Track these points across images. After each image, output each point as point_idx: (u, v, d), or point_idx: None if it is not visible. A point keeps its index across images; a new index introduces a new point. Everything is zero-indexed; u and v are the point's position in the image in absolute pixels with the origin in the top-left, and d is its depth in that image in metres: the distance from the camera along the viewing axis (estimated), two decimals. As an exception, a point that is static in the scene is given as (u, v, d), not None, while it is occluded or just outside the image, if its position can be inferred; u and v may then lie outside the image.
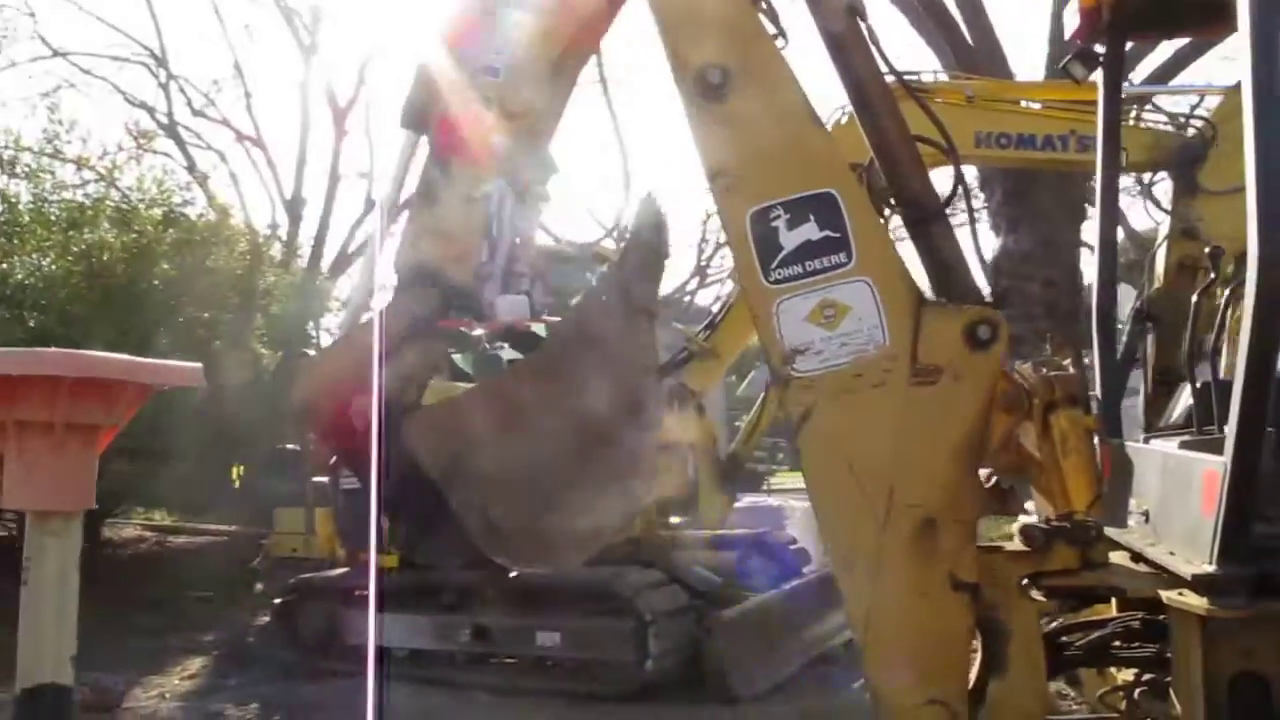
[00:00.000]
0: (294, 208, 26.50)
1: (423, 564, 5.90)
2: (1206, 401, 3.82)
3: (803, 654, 8.41)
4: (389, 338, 3.40)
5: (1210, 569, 2.71)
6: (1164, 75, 17.00)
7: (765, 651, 7.98)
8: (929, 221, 3.38)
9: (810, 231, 3.37)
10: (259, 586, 13.20)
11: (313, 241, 25.56)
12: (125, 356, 4.32)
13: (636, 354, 3.31)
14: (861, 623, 3.29)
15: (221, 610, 12.52)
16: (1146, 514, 3.31)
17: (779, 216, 3.37)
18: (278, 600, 10.04)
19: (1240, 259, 8.16)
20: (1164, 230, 8.76)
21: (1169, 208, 8.99)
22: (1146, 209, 20.63)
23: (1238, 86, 8.81)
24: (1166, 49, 16.71)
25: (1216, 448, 3.06)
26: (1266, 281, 2.53)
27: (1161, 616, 3.35)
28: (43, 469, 3.69)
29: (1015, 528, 3.42)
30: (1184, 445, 3.21)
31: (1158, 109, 9.53)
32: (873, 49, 3.46)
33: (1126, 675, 3.42)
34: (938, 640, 3.27)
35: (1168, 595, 2.93)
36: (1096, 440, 4.40)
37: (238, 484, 16.31)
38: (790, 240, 3.37)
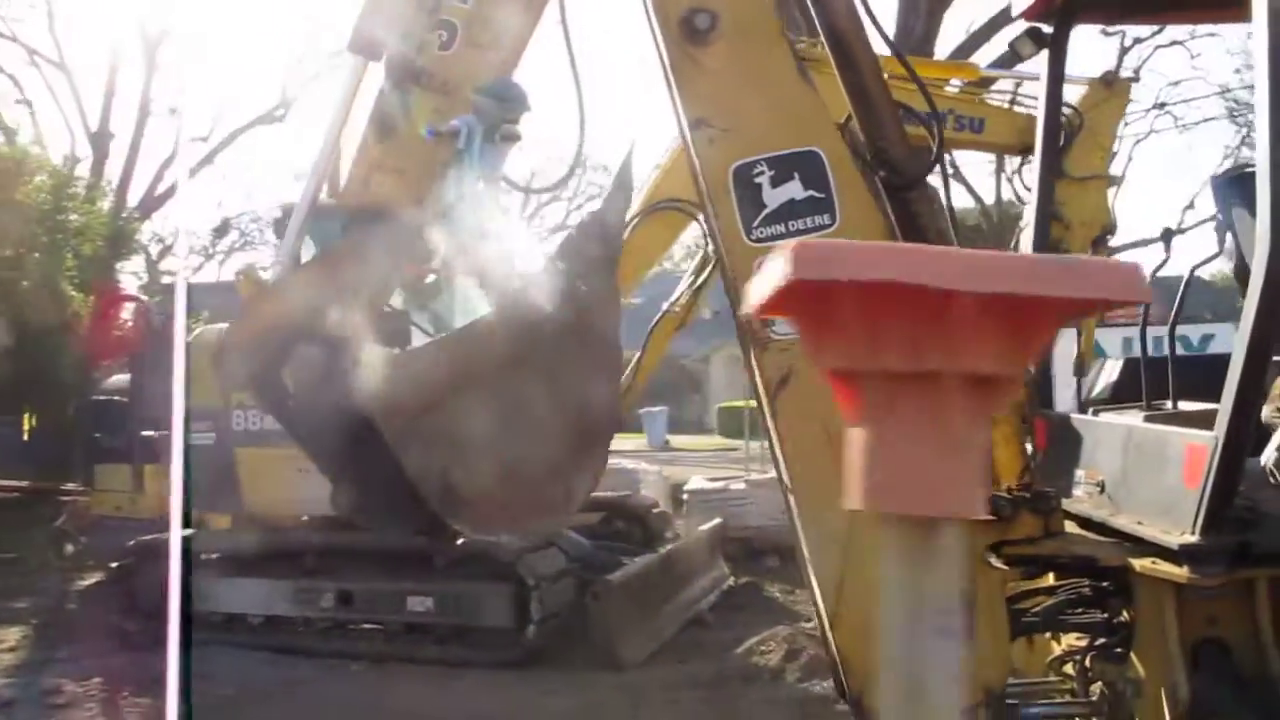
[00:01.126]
0: (100, 142, 24.43)
1: (365, 527, 5.50)
2: (1137, 377, 3.97)
3: (677, 618, 8.43)
4: (339, 287, 3.09)
5: (1194, 539, 2.78)
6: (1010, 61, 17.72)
7: (646, 617, 7.93)
8: (909, 188, 3.31)
9: (794, 190, 3.26)
10: (69, 548, 12.13)
11: (119, 179, 23.72)
12: None
13: (607, 310, 3.12)
14: (832, 593, 3.24)
15: (31, 574, 11.46)
16: (1102, 484, 3.39)
17: (762, 173, 3.24)
18: (114, 564, 9.25)
19: (1096, 244, 8.55)
20: (1028, 212, 9.14)
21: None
22: (1014, 189, 21.44)
23: (1102, 77, 9.16)
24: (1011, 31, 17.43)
25: (1193, 421, 3.15)
26: (1274, 268, 2.60)
27: (1105, 584, 3.45)
28: None
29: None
30: (1150, 419, 3.30)
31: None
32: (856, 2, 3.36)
33: (1071, 641, 3.52)
34: (906, 609, 3.25)
35: (1141, 564, 3.01)
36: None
37: (27, 436, 14.95)
38: (773, 198, 3.25)
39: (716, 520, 10.60)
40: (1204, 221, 3.77)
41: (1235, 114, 25.91)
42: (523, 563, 7.38)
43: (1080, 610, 3.44)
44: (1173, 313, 3.69)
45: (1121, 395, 4.04)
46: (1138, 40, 26.37)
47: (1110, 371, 4.24)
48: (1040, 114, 4.22)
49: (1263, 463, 2.93)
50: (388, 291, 3.29)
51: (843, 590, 3.23)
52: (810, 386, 3.23)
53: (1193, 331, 15.66)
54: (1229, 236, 3.50)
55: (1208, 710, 2.94)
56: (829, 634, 3.33)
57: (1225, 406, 2.70)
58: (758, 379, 3.33)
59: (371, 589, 8.02)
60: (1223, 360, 4.17)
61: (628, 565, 8.13)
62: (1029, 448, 4.28)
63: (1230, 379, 2.68)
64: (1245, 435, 2.69)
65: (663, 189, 8.55)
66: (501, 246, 3.13)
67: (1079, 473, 3.61)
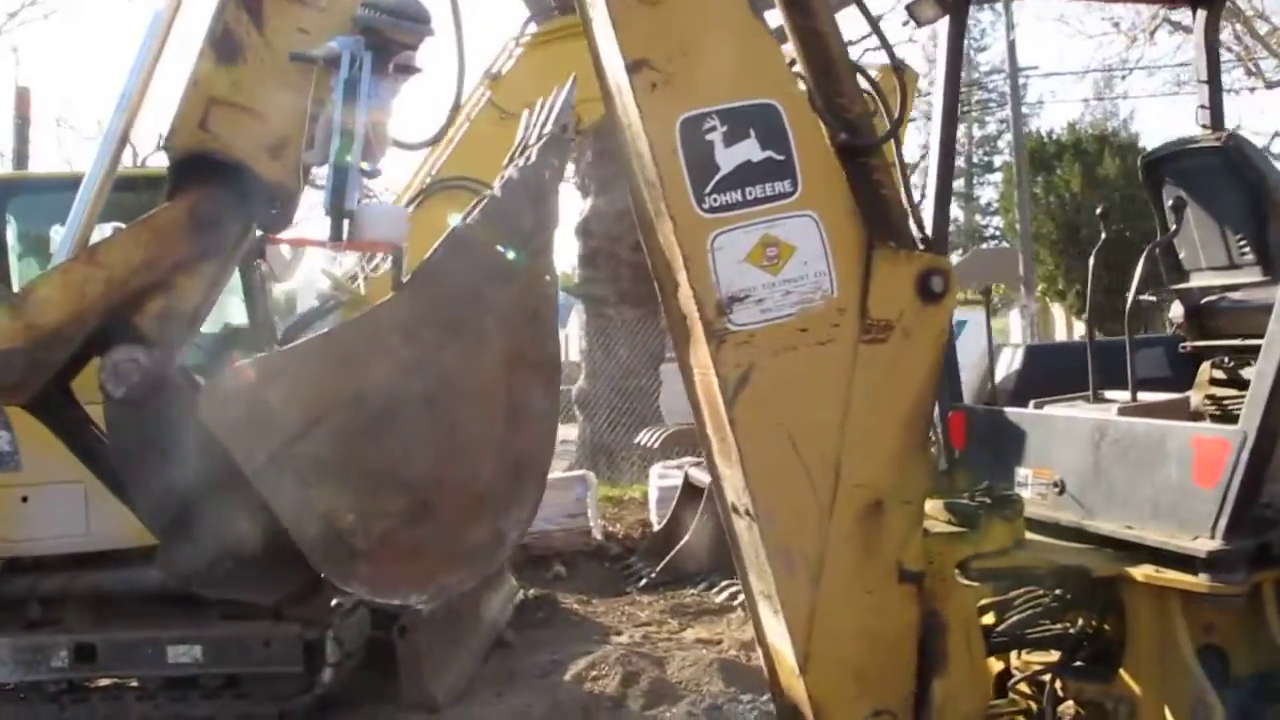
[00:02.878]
0: None
1: (210, 596, 4.29)
2: (1042, 366, 3.75)
3: (482, 645, 7.65)
4: (164, 267, 2.22)
5: (1217, 543, 2.52)
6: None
7: (456, 647, 7.10)
8: (868, 153, 2.86)
9: (750, 150, 2.72)
10: None
11: None
12: None
13: (541, 294, 2.44)
14: (803, 630, 2.74)
15: None
16: (1060, 484, 3.11)
17: (714, 128, 2.69)
18: None
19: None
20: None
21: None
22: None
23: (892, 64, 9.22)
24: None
25: (1168, 413, 2.90)
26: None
27: (1067, 594, 3.17)
28: None
29: (933, 506, 3.05)
30: (1126, 412, 3.05)
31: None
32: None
33: (1028, 658, 3.23)
34: (882, 642, 2.81)
35: (1141, 572, 2.72)
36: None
37: None
38: (727, 159, 2.70)
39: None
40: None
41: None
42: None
43: (1041, 624, 3.14)
44: (1088, 297, 3.49)
45: (1028, 386, 3.83)
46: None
47: (1010, 360, 4.02)
48: (942, 87, 3.95)
49: None
50: (229, 270, 2.42)
51: (815, 625, 2.74)
52: (773, 385, 2.72)
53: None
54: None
55: None
56: (792, 676, 2.83)
57: (1256, 400, 2.44)
58: (709, 380, 2.76)
59: (118, 640, 6.68)
60: (1115, 347, 4.12)
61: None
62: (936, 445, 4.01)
63: (1263, 371, 2.42)
64: (1276, 430, 2.45)
65: (451, 165, 7.74)
66: (396, 213, 2.37)
67: (1023, 472, 3.32)
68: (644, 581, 8.62)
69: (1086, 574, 2.86)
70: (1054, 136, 28.04)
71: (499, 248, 2.36)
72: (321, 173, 2.40)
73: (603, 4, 2.64)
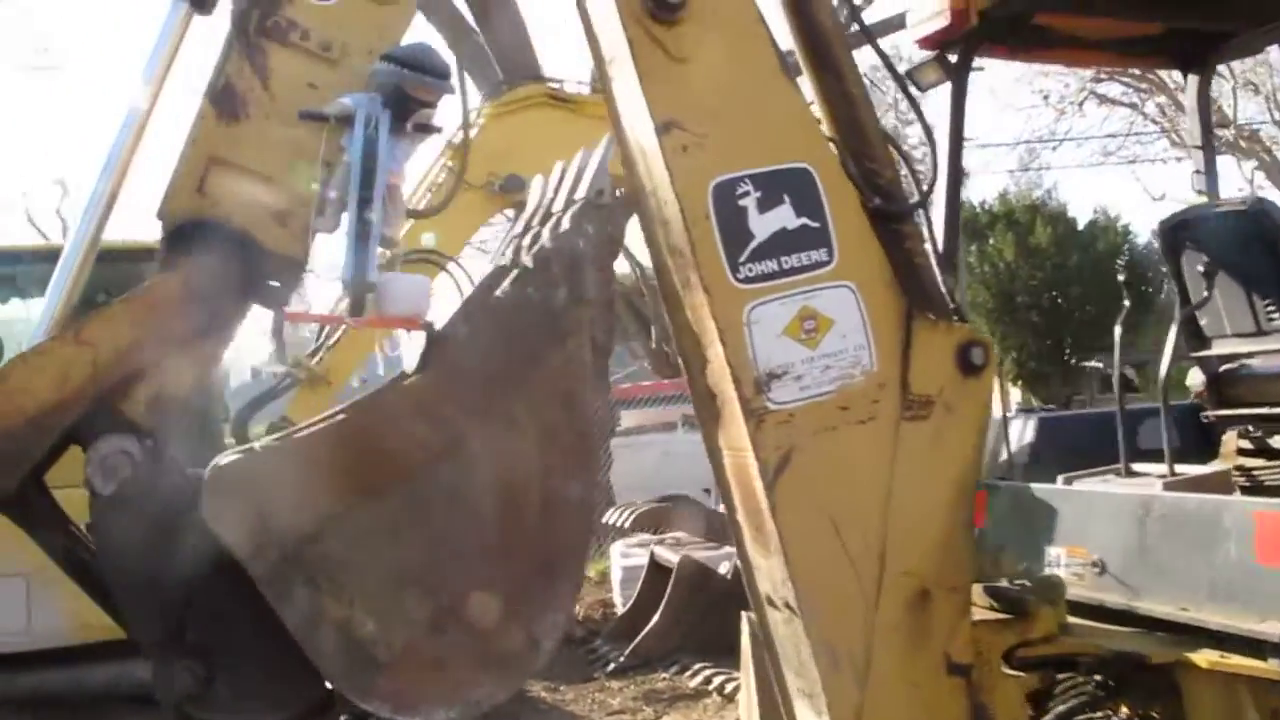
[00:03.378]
0: None
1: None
2: (1056, 438, 3.64)
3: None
4: (156, 345, 1.98)
5: (1296, 627, 2.37)
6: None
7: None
8: (901, 219, 2.73)
9: (785, 217, 2.57)
10: None
11: None
12: None
13: (572, 374, 2.24)
14: (851, 729, 2.51)
15: None
16: (1100, 564, 2.95)
17: (748, 194, 2.53)
18: None
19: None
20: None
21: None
22: None
23: None
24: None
25: (1215, 486, 2.77)
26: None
27: (1102, 677, 3.00)
28: None
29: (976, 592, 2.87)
30: (1173, 486, 2.92)
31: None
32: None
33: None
34: (932, 742, 2.60)
35: (1205, 658, 2.56)
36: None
37: None
38: (762, 227, 2.55)
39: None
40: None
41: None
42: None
43: (1089, 713, 2.96)
44: (1115, 361, 3.39)
45: (1042, 458, 3.70)
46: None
47: (1022, 432, 3.90)
48: (945, 149, 3.87)
49: None
50: (224, 349, 2.18)
51: (864, 726, 2.52)
52: (815, 467, 2.53)
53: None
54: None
55: None
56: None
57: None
58: (743, 462, 2.56)
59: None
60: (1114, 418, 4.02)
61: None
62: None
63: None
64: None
65: (413, 237, 7.49)
66: (419, 284, 2.16)
67: (1054, 551, 3.17)
68: (612, 666, 8.27)
69: (1140, 660, 2.70)
70: (986, 207, 28.78)
71: (529, 323, 2.16)
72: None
73: (628, 62, 2.49)
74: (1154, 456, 3.62)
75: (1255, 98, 18.87)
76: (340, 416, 2.07)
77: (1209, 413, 3.33)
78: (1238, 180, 21.03)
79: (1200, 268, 3.18)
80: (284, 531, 1.98)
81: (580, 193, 2.24)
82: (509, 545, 2.16)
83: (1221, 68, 18.24)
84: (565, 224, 2.22)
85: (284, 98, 2.20)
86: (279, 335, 1.99)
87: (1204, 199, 3.96)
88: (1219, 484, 2.97)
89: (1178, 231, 3.35)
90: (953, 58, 3.69)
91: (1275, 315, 3.08)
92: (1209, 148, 3.92)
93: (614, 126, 2.69)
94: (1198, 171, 3.96)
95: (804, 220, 2.57)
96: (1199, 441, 3.62)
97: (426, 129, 2.26)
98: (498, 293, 2.18)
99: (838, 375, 2.56)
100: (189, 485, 2.04)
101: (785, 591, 2.56)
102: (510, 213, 7.19)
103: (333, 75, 2.24)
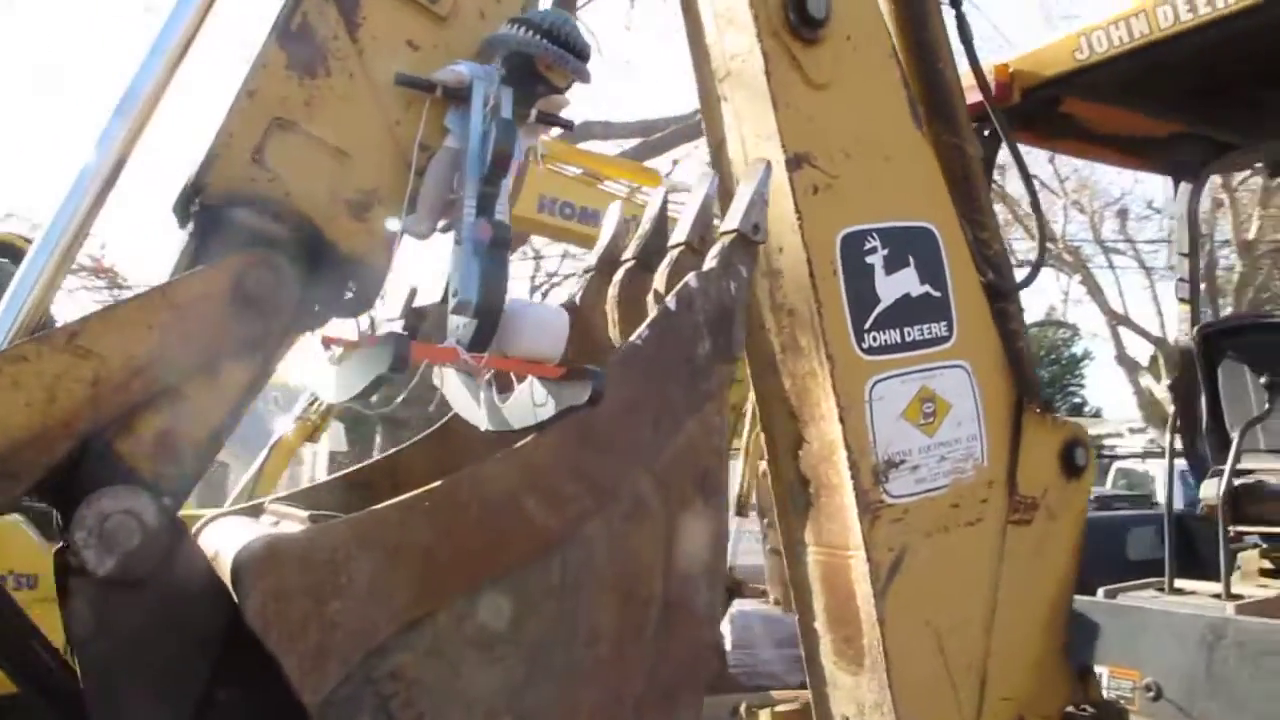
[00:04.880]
0: None
1: None
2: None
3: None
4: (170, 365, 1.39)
5: None
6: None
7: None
8: (1006, 297, 2.44)
9: (909, 282, 2.23)
10: None
11: None
12: None
13: (708, 448, 1.79)
14: None
15: None
16: (1155, 688, 2.71)
17: (875, 250, 2.18)
18: None
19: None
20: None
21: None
22: None
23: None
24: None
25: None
26: None
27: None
28: None
29: None
30: (1246, 609, 2.71)
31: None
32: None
33: None
34: None
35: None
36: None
37: None
38: (888, 290, 2.20)
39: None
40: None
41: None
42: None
43: None
44: (1169, 470, 3.22)
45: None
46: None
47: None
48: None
49: None
50: (269, 372, 1.58)
51: None
52: (925, 573, 2.17)
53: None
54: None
55: None
56: None
57: None
58: (840, 563, 2.16)
59: None
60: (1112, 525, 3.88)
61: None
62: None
63: None
64: None
65: None
66: (556, 317, 1.63)
67: (1098, 671, 2.91)
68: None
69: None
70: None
71: (668, 379, 1.70)
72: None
73: (757, 80, 2.09)
74: (1143, 568, 3.48)
75: (1080, 216, 20.30)
76: (430, 488, 1.52)
77: (1232, 528, 3.22)
78: (1056, 291, 22.49)
79: (1244, 378, 3.08)
80: (349, 641, 1.41)
81: (733, 224, 1.81)
82: (623, 665, 1.66)
83: (1056, 188, 19.73)
84: (713, 262, 1.78)
85: (375, 54, 1.66)
86: (399, 363, 1.42)
87: (1186, 306, 3.94)
88: (1274, 607, 2.83)
89: (1217, 340, 3.25)
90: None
91: (1321, 435, 3.01)
92: (1194, 256, 3.91)
93: (714, 153, 2.28)
94: (1182, 279, 3.94)
95: (927, 288, 2.24)
96: (1184, 555, 3.51)
97: (554, 120, 1.76)
98: (633, 339, 1.70)
99: (951, 469, 2.23)
100: (205, 564, 1.44)
101: (877, 716, 2.16)
102: None
103: (438, 34, 1.72)
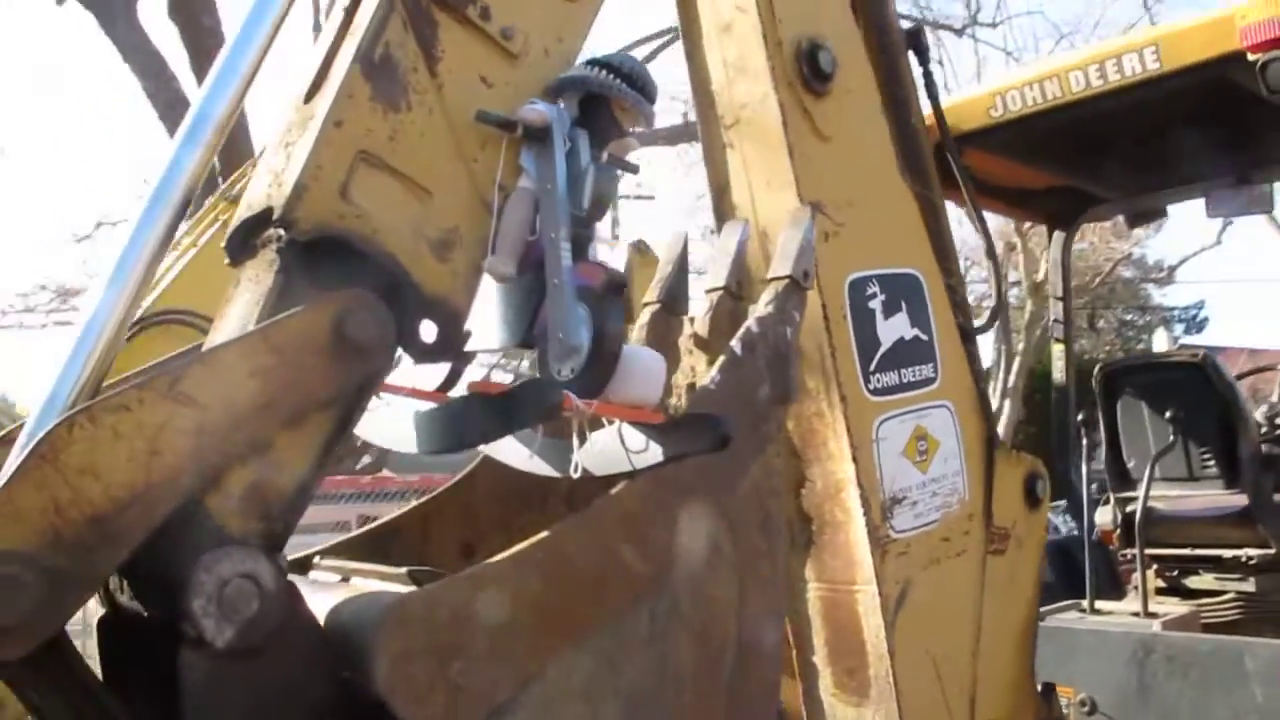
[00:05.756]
0: None
1: None
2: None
3: None
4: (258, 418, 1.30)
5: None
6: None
7: None
8: (971, 339, 2.60)
9: (902, 326, 2.35)
10: None
11: None
12: None
13: (769, 490, 1.82)
14: None
15: None
16: (1089, 703, 2.91)
17: (875, 295, 2.29)
18: None
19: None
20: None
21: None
22: None
23: (635, 244, 9.24)
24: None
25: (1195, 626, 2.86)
26: None
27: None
28: None
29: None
30: (1170, 626, 2.93)
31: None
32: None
33: None
34: None
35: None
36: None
37: None
38: (887, 334, 2.31)
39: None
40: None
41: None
42: None
43: None
44: (1085, 496, 3.46)
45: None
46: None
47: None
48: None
49: None
50: (355, 420, 1.48)
51: None
52: (925, 604, 2.27)
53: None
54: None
55: None
56: None
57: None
58: (843, 599, 2.23)
59: None
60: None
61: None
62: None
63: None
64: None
65: (172, 295, 6.16)
66: (658, 363, 1.60)
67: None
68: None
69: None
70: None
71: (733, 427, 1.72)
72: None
73: (773, 130, 2.16)
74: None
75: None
76: (539, 539, 1.47)
77: (1126, 551, 3.50)
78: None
79: (1141, 413, 3.37)
80: (473, 703, 1.35)
81: (785, 270, 1.85)
82: (704, 708, 1.65)
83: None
84: (769, 307, 1.81)
85: (453, 89, 1.60)
86: (552, 413, 1.36)
87: (1060, 345, 4.29)
88: (1193, 623, 3.09)
89: (1119, 377, 3.55)
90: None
91: (1209, 464, 3.33)
92: (1068, 299, 4.26)
93: (716, 198, 2.32)
94: (1056, 320, 4.29)
95: (917, 331, 2.36)
96: (1071, 576, 3.80)
97: (624, 165, 1.75)
98: (705, 382, 1.71)
99: (941, 503, 2.34)
100: (316, 628, 1.33)
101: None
102: None
103: (509, 71, 1.67)
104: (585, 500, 1.59)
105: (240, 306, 1.46)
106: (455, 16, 1.60)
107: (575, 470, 1.61)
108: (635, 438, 1.58)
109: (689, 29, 2.32)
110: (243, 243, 1.51)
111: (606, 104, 1.68)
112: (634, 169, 1.80)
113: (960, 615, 2.35)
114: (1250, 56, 2.67)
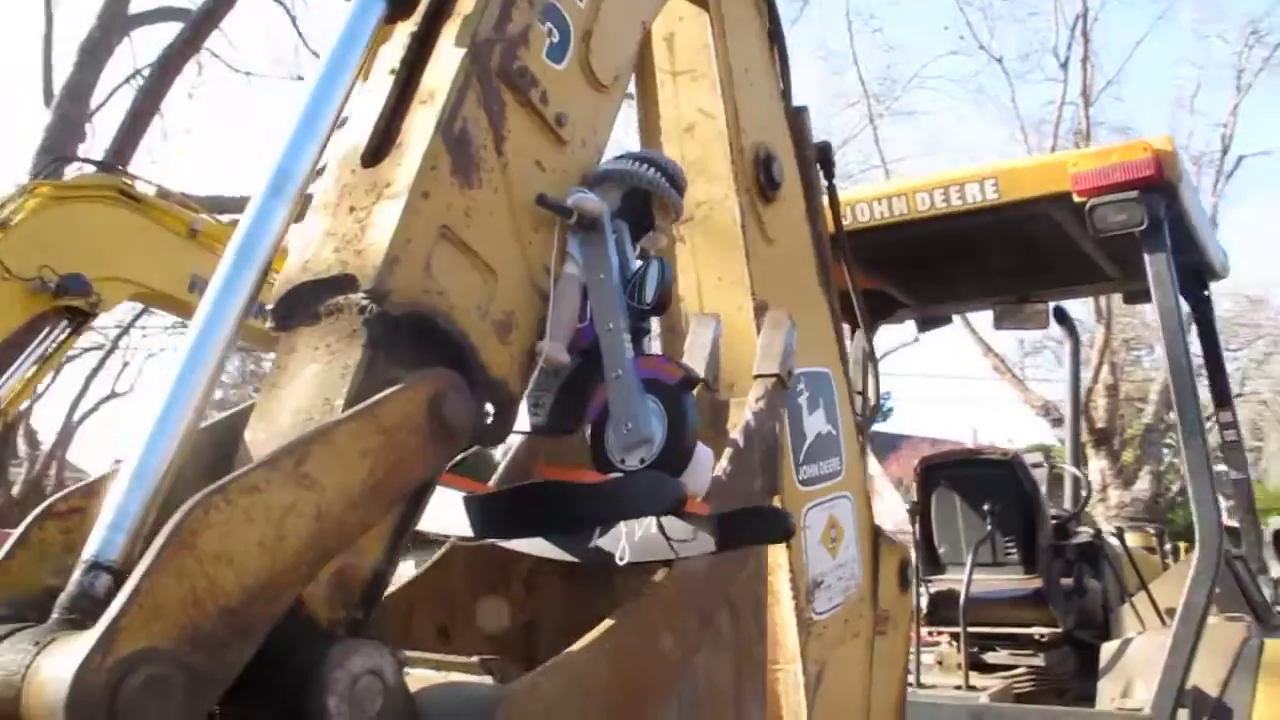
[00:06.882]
0: None
1: None
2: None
3: None
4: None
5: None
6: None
7: None
8: (861, 434, 2.83)
9: (820, 421, 2.54)
10: None
11: None
12: None
13: (761, 578, 1.94)
14: None
15: None
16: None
17: (802, 392, 2.47)
18: None
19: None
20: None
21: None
22: None
23: None
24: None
25: (1008, 696, 3.20)
26: None
27: None
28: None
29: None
30: (998, 697, 3.21)
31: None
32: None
33: None
34: None
35: None
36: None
37: None
38: (810, 428, 2.49)
39: None
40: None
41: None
42: None
43: None
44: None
45: None
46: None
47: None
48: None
49: None
50: (427, 498, 1.41)
51: None
52: (835, 682, 2.43)
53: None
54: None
55: None
56: None
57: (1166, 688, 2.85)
58: (780, 676, 2.35)
59: None
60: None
61: None
62: None
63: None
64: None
65: None
66: (707, 451, 1.62)
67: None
68: None
69: None
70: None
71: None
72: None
73: (730, 231, 2.30)
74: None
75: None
76: (606, 628, 1.46)
77: (935, 630, 3.84)
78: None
79: (954, 503, 3.75)
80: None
81: (773, 368, 1.95)
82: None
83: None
84: (760, 403, 1.91)
85: (515, 171, 1.58)
86: (676, 506, 1.35)
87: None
88: (1008, 694, 3.43)
89: (936, 470, 3.92)
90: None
91: (1011, 551, 3.74)
92: (865, 393, 4.66)
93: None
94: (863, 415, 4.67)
95: (830, 427, 2.55)
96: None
97: (646, 259, 1.78)
98: (717, 472, 1.77)
99: (844, 588, 2.52)
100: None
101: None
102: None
103: (560, 159, 1.67)
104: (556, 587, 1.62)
105: (315, 378, 1.37)
106: (520, 99, 1.61)
107: (621, 558, 1.62)
108: (678, 527, 1.62)
109: (647, 125, 2.42)
110: (303, 306, 1.43)
111: (646, 198, 1.74)
112: (651, 260, 1.86)
113: (857, 692, 2.53)
114: (1076, 199, 3.14)
